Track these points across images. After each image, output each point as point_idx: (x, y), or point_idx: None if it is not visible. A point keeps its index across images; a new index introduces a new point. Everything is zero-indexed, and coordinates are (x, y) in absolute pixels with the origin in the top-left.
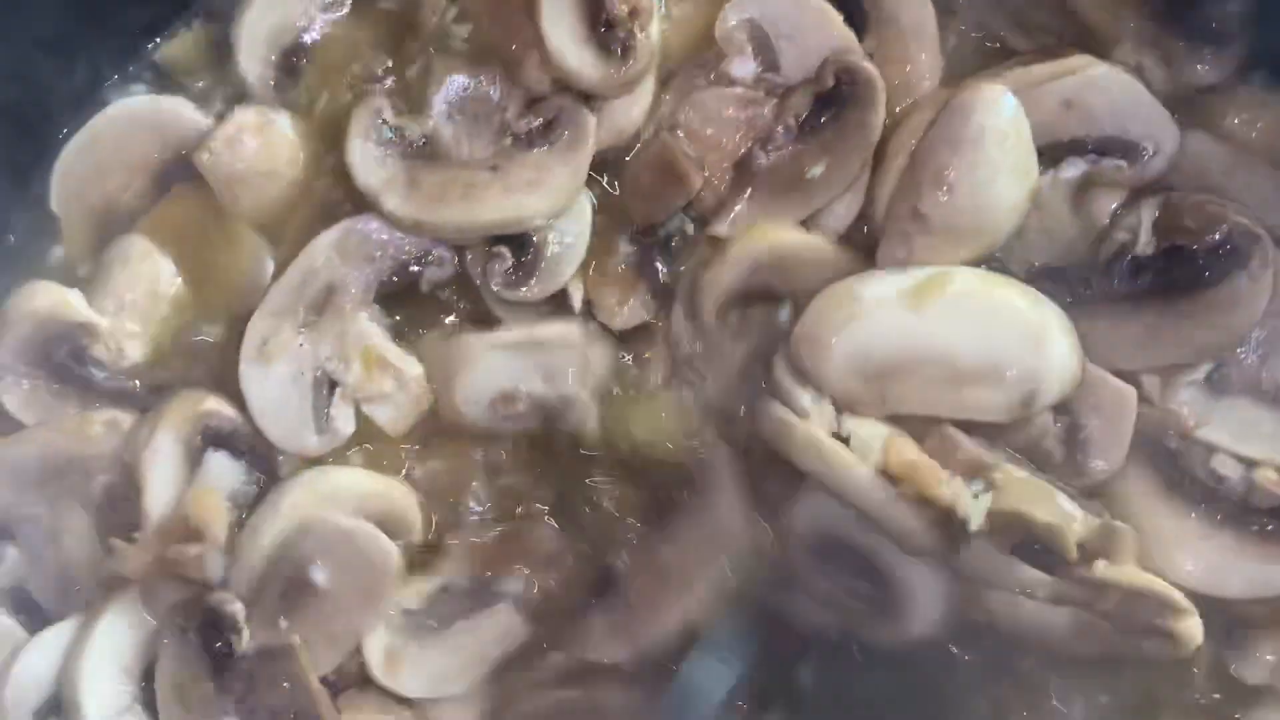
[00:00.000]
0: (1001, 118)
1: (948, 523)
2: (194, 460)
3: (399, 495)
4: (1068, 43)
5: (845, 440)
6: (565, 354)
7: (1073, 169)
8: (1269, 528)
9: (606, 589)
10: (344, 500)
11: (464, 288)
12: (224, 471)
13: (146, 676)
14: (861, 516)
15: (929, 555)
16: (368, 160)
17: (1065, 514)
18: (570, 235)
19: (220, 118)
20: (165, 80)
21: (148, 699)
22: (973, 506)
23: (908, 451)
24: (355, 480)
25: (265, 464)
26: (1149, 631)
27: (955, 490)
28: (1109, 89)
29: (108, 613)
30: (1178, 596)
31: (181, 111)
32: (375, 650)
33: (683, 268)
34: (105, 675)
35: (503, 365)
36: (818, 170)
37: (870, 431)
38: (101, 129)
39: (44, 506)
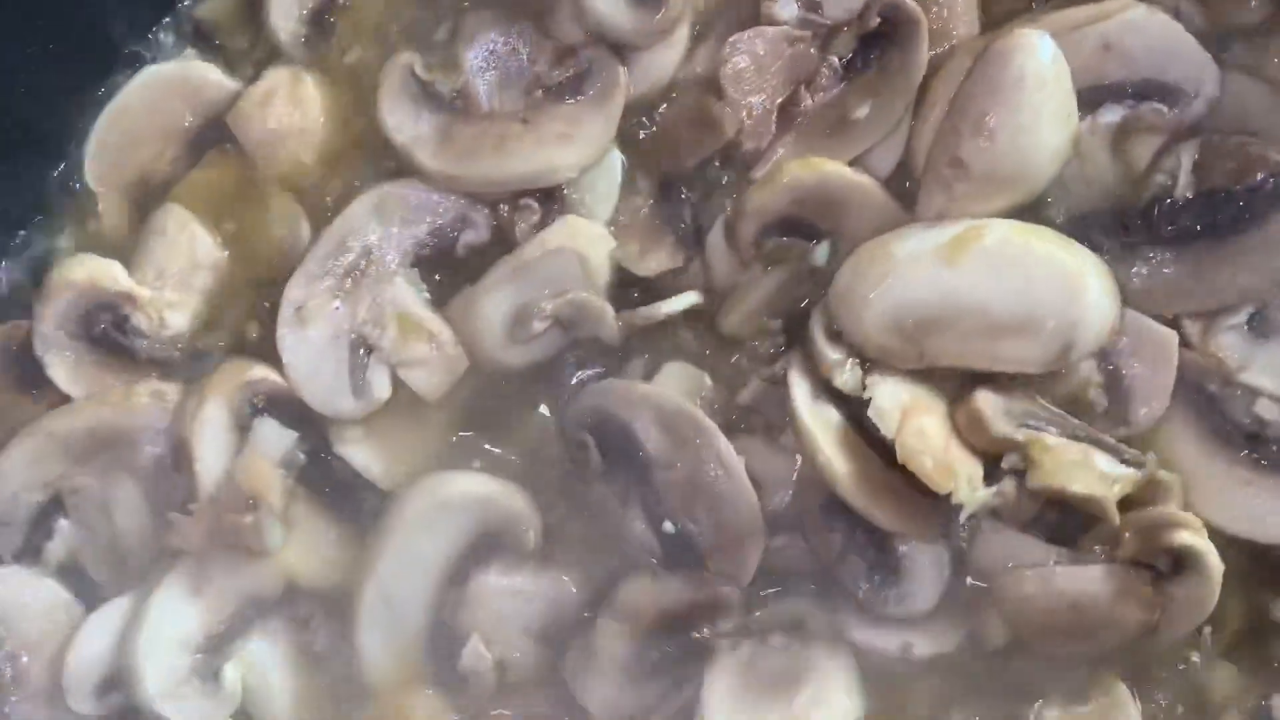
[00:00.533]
0: (1041, 62)
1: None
2: (244, 428)
3: (514, 498)
4: None
5: (866, 402)
6: (558, 262)
7: (1112, 113)
8: None
9: None
10: (464, 509)
11: (500, 251)
12: (274, 438)
13: (205, 647)
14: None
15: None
16: (400, 116)
17: (1105, 478)
18: (600, 187)
19: (251, 80)
20: (203, 39)
21: (206, 670)
22: (969, 497)
23: (925, 424)
24: (472, 486)
25: (315, 430)
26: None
27: (957, 474)
28: (1148, 31)
29: (164, 585)
30: (1178, 513)
31: (209, 75)
32: None
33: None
34: (164, 648)
35: (505, 294)
36: (862, 112)
37: (891, 398)
38: (131, 99)
39: (94, 479)
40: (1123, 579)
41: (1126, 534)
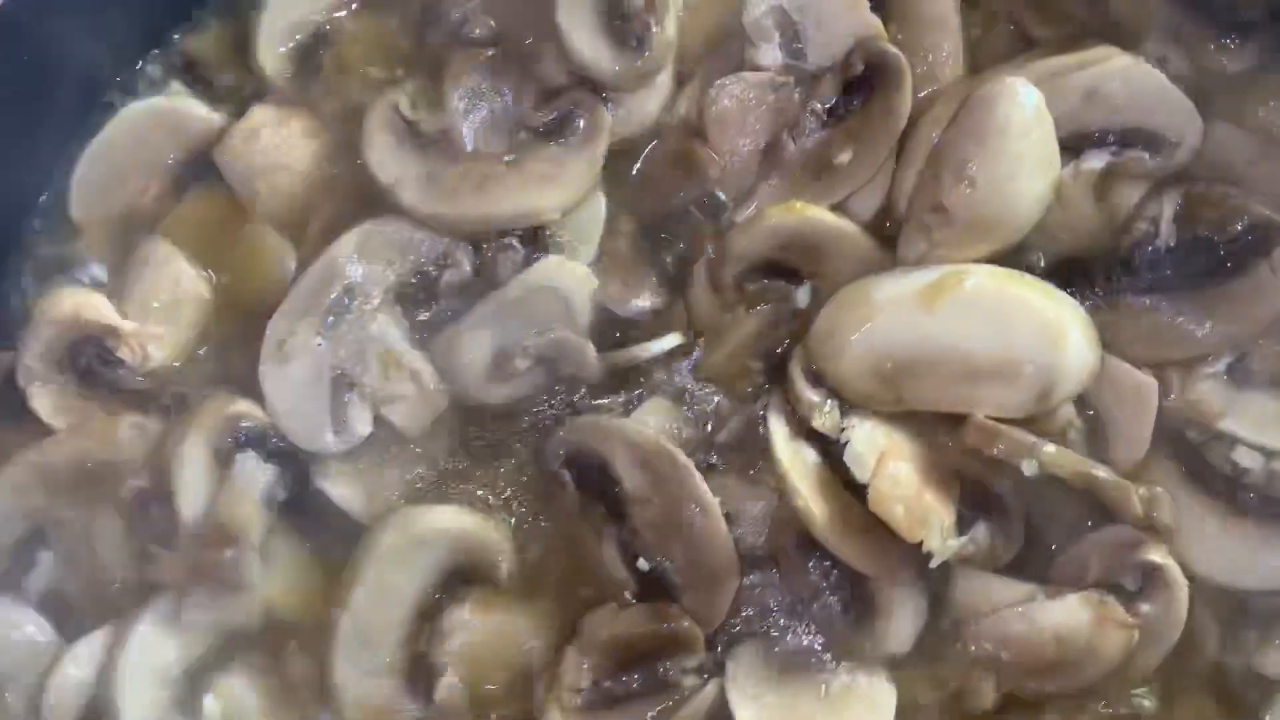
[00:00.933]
0: (1024, 110)
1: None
2: (225, 463)
3: (489, 531)
4: (1091, 32)
5: (844, 445)
6: (541, 301)
7: (1095, 160)
8: None
9: None
10: (436, 542)
11: (483, 289)
12: (255, 473)
13: (184, 680)
14: None
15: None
16: (385, 155)
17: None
18: (583, 228)
19: (237, 115)
20: (190, 73)
21: (185, 702)
22: (940, 546)
23: (900, 470)
24: (445, 520)
25: (296, 465)
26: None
27: (929, 523)
28: (1132, 79)
29: (144, 619)
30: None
31: (194, 110)
32: None
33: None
34: (143, 681)
35: (487, 332)
36: (845, 157)
37: (868, 441)
38: (115, 133)
39: (76, 511)
40: (1098, 605)
41: (1092, 558)
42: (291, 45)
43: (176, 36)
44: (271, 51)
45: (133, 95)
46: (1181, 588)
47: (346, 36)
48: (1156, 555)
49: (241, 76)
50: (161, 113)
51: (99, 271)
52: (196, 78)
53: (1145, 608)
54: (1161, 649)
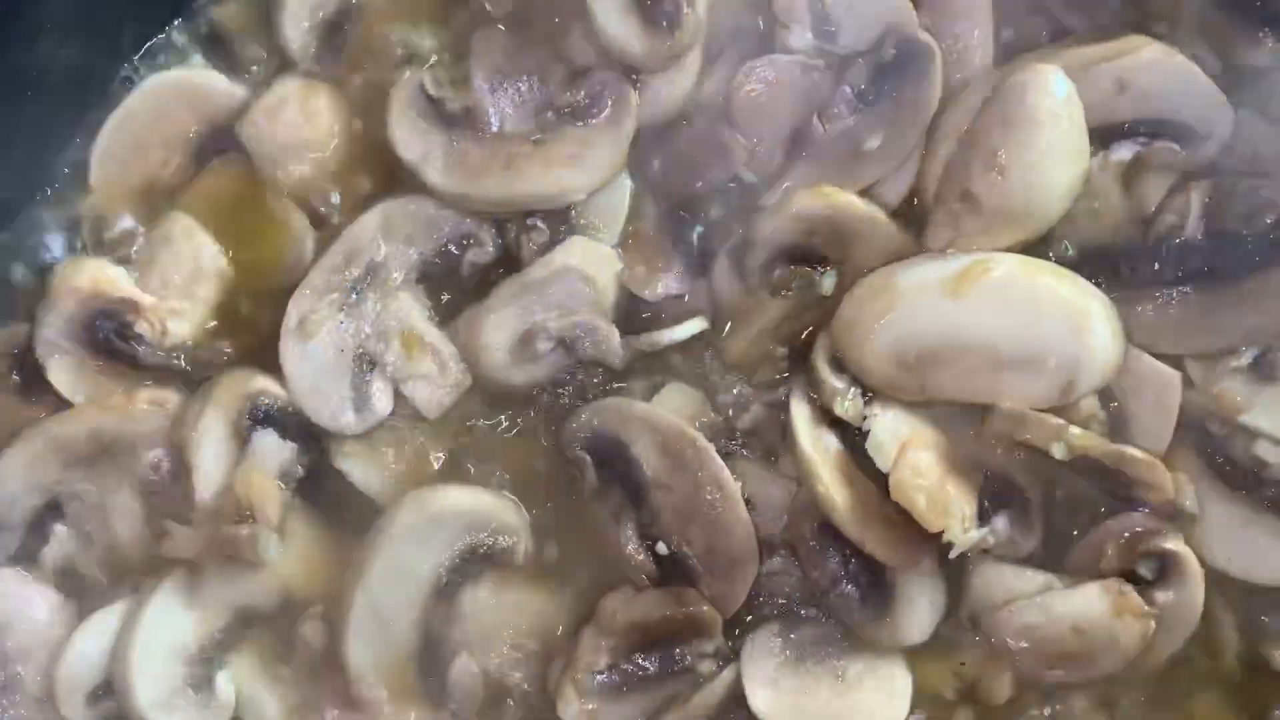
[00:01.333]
0: (1055, 99)
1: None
2: (242, 440)
3: (505, 512)
4: (1123, 23)
5: (866, 433)
6: (565, 283)
7: (1124, 151)
8: None
9: None
10: (452, 522)
11: (505, 270)
12: (273, 450)
13: (198, 657)
14: None
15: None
16: (409, 133)
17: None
18: (608, 209)
19: (260, 88)
20: (218, 44)
21: (199, 679)
22: (960, 536)
23: (921, 459)
24: (462, 500)
25: (314, 443)
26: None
27: (950, 512)
28: (1163, 70)
29: (159, 594)
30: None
31: (215, 83)
32: None
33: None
34: (157, 657)
35: (510, 313)
36: (874, 142)
37: (890, 430)
38: (136, 105)
39: (92, 484)
40: (1116, 594)
41: (1108, 547)
42: (317, 20)
43: (203, 4)
44: (297, 26)
45: (157, 64)
46: (1198, 577)
47: (372, 12)
48: (1173, 544)
49: (267, 49)
50: (184, 85)
51: (118, 245)
52: (222, 48)
53: (1162, 596)
54: (1178, 638)
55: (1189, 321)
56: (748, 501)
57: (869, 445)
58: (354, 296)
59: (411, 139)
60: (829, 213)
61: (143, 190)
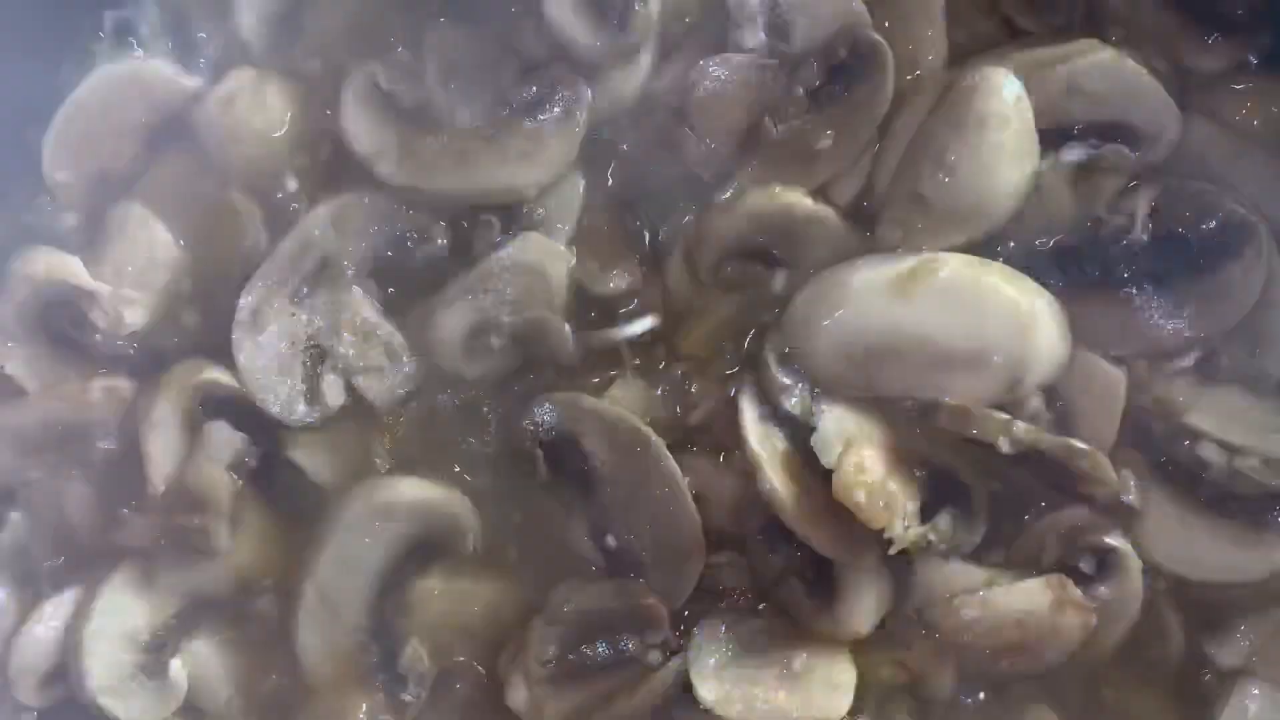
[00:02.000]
0: (1004, 102)
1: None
2: (195, 429)
3: (455, 503)
4: (1074, 26)
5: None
6: (517, 278)
7: (1074, 153)
8: (1249, 515)
9: None
10: (401, 513)
11: (456, 263)
12: (225, 441)
13: (150, 644)
14: None
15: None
16: (361, 125)
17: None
18: (561, 205)
19: (215, 76)
20: (172, 28)
21: (152, 665)
22: (901, 534)
23: (865, 457)
24: (412, 491)
25: (266, 434)
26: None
27: (892, 510)
28: (1113, 74)
29: (111, 581)
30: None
31: (166, 73)
32: None
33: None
34: (109, 643)
35: (464, 307)
36: (825, 142)
37: (837, 427)
38: (88, 95)
39: (45, 472)
40: (1057, 588)
41: (1049, 541)
42: (272, 8)
43: None
44: (252, 14)
45: (108, 46)
46: (1136, 571)
47: (327, 2)
48: (1113, 539)
49: (222, 34)
50: (136, 75)
51: (73, 234)
52: (176, 32)
53: (1102, 590)
54: (1118, 631)
55: (1135, 322)
56: (696, 496)
57: (814, 441)
58: (306, 289)
59: (364, 132)
60: (779, 212)
61: (97, 180)
